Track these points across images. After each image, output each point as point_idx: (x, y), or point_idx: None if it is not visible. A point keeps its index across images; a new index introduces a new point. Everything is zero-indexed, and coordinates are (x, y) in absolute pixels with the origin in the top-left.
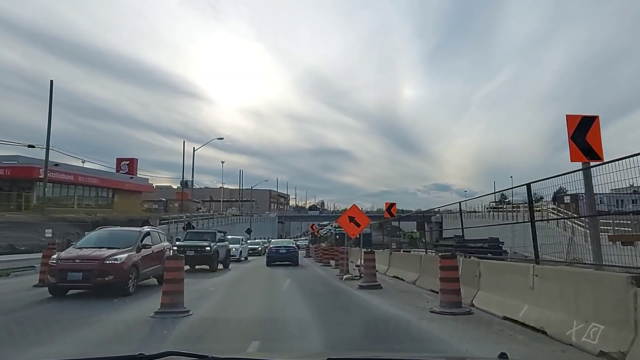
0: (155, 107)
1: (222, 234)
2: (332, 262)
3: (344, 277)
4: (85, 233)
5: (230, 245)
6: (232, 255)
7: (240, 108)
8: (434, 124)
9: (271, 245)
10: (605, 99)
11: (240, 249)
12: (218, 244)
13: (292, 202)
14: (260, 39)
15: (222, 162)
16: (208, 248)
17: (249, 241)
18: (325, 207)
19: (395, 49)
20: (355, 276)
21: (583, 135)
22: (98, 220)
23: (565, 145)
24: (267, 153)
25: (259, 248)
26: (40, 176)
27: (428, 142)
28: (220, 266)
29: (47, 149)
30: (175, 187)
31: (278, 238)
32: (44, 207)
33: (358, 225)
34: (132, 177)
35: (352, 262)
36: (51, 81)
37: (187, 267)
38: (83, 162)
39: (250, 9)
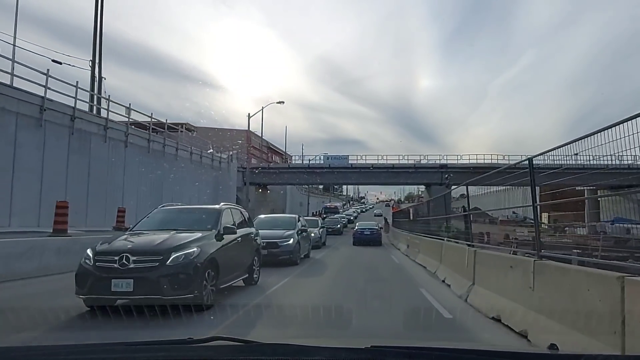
0: (167, 95)
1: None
2: None
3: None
4: None
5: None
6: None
7: (253, 96)
8: (450, 112)
9: (356, 228)
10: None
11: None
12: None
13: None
14: (271, 25)
15: None
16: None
17: None
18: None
19: (411, 34)
20: None
21: None
22: None
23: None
24: (280, 142)
25: None
26: None
27: (443, 131)
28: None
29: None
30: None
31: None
32: None
33: None
34: None
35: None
36: None
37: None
38: None
39: None
